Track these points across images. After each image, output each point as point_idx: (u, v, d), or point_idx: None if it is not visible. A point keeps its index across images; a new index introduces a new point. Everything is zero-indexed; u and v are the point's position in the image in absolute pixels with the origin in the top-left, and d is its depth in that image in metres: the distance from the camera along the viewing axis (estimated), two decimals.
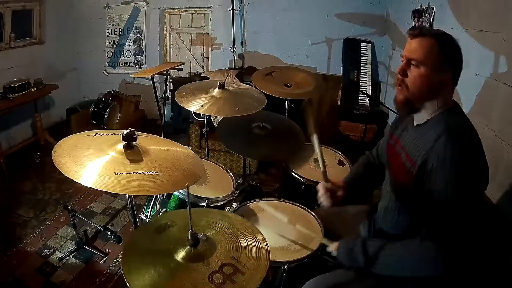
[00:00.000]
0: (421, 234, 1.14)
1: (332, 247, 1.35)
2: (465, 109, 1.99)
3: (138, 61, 4.57)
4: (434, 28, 2.50)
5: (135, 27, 4.45)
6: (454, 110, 1.17)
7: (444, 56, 1.12)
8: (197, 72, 4.42)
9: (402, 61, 1.19)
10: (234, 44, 4.04)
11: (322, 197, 1.55)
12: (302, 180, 1.94)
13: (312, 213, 1.66)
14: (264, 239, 1.16)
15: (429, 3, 2.57)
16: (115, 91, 4.32)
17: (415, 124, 1.24)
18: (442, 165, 1.07)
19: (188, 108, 1.93)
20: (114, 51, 4.60)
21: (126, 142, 1.21)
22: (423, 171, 1.12)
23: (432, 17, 2.53)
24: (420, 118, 1.21)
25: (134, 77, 4.42)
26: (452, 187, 1.06)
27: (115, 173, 1.10)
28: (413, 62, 1.15)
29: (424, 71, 1.13)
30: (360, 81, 3.72)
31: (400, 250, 1.17)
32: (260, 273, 1.02)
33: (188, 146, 2.97)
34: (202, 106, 1.89)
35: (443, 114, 1.15)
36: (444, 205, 1.08)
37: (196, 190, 1.78)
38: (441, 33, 1.15)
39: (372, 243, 1.23)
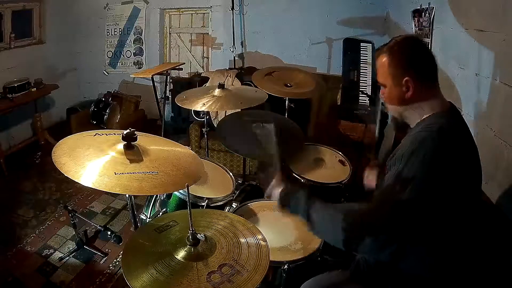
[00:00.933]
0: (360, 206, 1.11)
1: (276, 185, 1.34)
2: (465, 109, 1.99)
3: (138, 61, 4.57)
4: (434, 28, 2.50)
5: (135, 27, 4.45)
6: (442, 113, 1.13)
7: (397, 66, 1.12)
8: (197, 72, 4.42)
9: None
10: (234, 44, 4.04)
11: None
12: (302, 180, 1.94)
13: None
14: (265, 240, 1.15)
15: (429, 3, 2.57)
16: (115, 91, 4.32)
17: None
18: (408, 157, 1.04)
19: (190, 108, 1.94)
20: (114, 51, 4.60)
21: (126, 142, 1.21)
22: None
23: (432, 17, 2.53)
24: (412, 123, 1.20)
25: (134, 77, 4.42)
26: (415, 180, 1.01)
27: (115, 173, 1.10)
28: (381, 85, 1.20)
29: (388, 89, 1.17)
30: (360, 81, 3.71)
31: (332, 214, 1.13)
32: (258, 275, 1.02)
33: (188, 146, 2.97)
34: (204, 104, 1.89)
35: (429, 117, 1.13)
36: (387, 190, 1.07)
37: (196, 190, 1.78)
38: (391, 45, 1.15)
39: (317, 204, 1.18)
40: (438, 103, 1.14)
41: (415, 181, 1.01)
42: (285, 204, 1.25)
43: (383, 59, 1.15)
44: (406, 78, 1.11)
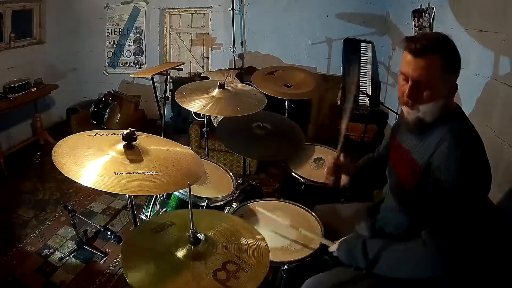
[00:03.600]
0: (422, 236, 1.14)
1: (333, 247, 1.36)
2: (465, 109, 1.97)
3: (138, 61, 4.57)
4: (434, 28, 2.50)
5: (135, 27, 4.45)
6: (456, 113, 1.17)
7: (450, 68, 1.10)
8: (197, 72, 4.42)
9: (405, 79, 1.13)
10: (234, 44, 4.04)
11: (328, 170, 1.60)
12: (302, 180, 1.94)
13: (312, 213, 1.66)
14: (263, 238, 1.16)
15: (429, 3, 2.57)
16: (115, 91, 4.31)
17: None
18: (446, 168, 1.07)
19: (189, 109, 1.94)
20: (114, 51, 4.59)
21: (126, 142, 1.21)
22: (427, 174, 1.13)
23: (432, 17, 2.53)
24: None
25: (134, 77, 4.42)
26: (455, 190, 1.06)
27: (115, 173, 1.10)
28: (421, 84, 1.10)
29: (435, 90, 1.09)
30: (360, 81, 3.71)
31: (400, 253, 1.17)
32: (262, 270, 1.03)
33: (188, 146, 2.97)
34: (203, 106, 1.89)
35: (446, 118, 1.14)
36: (446, 207, 1.08)
37: (196, 190, 1.78)
38: (442, 43, 1.09)
39: (372, 244, 1.23)
40: (449, 104, 1.17)
41: (464, 186, 1.05)
42: (343, 261, 1.31)
43: (437, 60, 1.07)
44: (454, 81, 1.12)
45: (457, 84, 1.15)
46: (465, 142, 1.09)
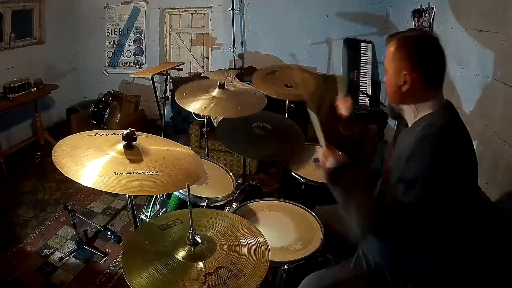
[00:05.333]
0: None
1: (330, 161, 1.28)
2: (465, 109, 1.99)
3: (138, 61, 4.57)
4: (433, 28, 2.50)
5: (135, 27, 4.45)
6: (440, 111, 1.13)
7: (401, 58, 1.11)
8: (197, 72, 4.42)
9: None
10: (234, 44, 4.04)
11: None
12: (302, 180, 1.94)
13: (312, 213, 1.66)
14: (267, 244, 1.15)
15: (429, 3, 2.57)
16: (115, 91, 4.31)
17: (407, 127, 1.24)
18: (412, 154, 1.06)
19: (189, 109, 1.93)
20: (114, 51, 4.59)
21: (126, 142, 1.21)
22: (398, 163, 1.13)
23: (432, 17, 2.53)
24: (409, 121, 1.21)
25: (134, 77, 4.42)
26: (419, 177, 1.03)
27: (115, 173, 1.10)
28: (385, 70, 1.19)
29: (388, 76, 1.17)
30: (360, 81, 3.71)
31: (362, 199, 1.14)
32: (255, 280, 1.01)
33: (188, 146, 2.97)
34: (205, 107, 1.89)
35: (427, 116, 1.13)
36: (400, 189, 1.06)
37: (196, 190, 1.78)
38: (408, 34, 1.14)
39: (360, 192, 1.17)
40: (437, 102, 1.14)
41: (419, 182, 1.02)
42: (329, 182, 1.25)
43: (392, 47, 1.14)
44: (405, 72, 1.10)
45: (419, 81, 1.10)
46: (439, 133, 1.06)
